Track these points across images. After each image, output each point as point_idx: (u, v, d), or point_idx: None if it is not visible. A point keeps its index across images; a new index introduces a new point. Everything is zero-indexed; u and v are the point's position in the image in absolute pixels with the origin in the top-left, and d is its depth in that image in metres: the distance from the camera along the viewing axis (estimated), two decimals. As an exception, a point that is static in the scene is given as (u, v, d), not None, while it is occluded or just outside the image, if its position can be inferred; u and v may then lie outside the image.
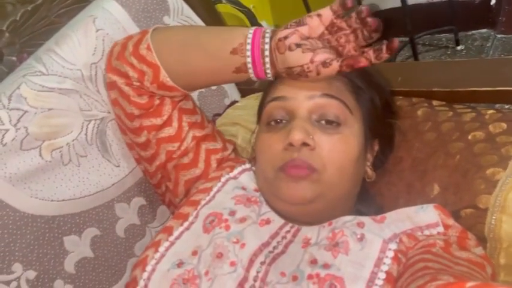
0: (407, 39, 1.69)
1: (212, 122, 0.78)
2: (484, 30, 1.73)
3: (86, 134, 0.75)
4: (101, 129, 0.77)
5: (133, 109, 0.69)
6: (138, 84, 0.67)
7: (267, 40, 0.58)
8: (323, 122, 0.59)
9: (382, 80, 0.69)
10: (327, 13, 0.55)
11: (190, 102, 0.73)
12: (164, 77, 0.65)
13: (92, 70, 0.76)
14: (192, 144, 0.70)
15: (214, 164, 0.71)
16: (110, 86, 0.72)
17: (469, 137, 0.65)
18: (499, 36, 1.69)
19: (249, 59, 0.59)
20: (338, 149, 0.58)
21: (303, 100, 0.60)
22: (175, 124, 0.69)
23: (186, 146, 0.70)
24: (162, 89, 0.66)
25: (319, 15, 0.55)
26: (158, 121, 0.69)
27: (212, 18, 0.97)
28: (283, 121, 0.61)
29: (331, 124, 0.59)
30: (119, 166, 0.78)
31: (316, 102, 0.59)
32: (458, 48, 1.73)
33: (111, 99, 0.73)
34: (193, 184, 0.70)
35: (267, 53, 0.58)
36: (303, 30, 0.56)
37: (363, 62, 0.53)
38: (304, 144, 0.57)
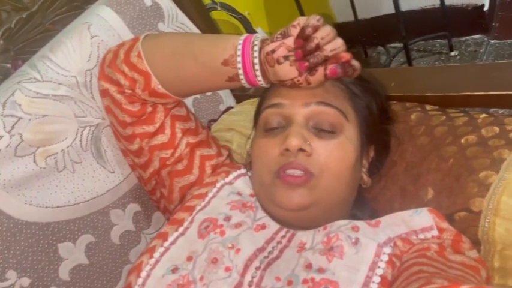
0: (401, 45, 1.70)
1: (207, 128, 0.78)
2: (478, 36, 1.74)
3: (80, 141, 0.75)
4: (96, 136, 0.77)
5: (125, 117, 0.69)
6: (130, 92, 0.67)
7: (256, 54, 0.58)
8: (319, 128, 0.60)
9: (378, 86, 0.69)
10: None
11: (184, 108, 0.73)
12: (155, 84, 0.65)
13: (87, 77, 0.76)
14: (186, 151, 0.70)
15: (209, 170, 0.71)
16: (103, 93, 0.72)
17: (462, 141, 0.66)
18: (492, 41, 1.70)
19: (240, 71, 0.59)
20: (335, 155, 0.59)
21: (299, 107, 0.60)
22: (168, 131, 0.69)
23: (180, 153, 0.70)
24: (154, 96, 0.67)
25: (300, 26, 0.56)
26: (151, 128, 0.69)
27: (206, 25, 0.98)
28: (280, 127, 0.61)
29: (328, 131, 0.59)
30: (113, 172, 0.78)
31: (312, 109, 0.60)
32: (452, 54, 1.74)
33: (104, 106, 0.73)
34: (188, 190, 0.70)
35: (256, 66, 0.58)
36: (289, 41, 0.56)
37: (344, 57, 0.54)
38: (301, 150, 0.57)
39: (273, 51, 0.56)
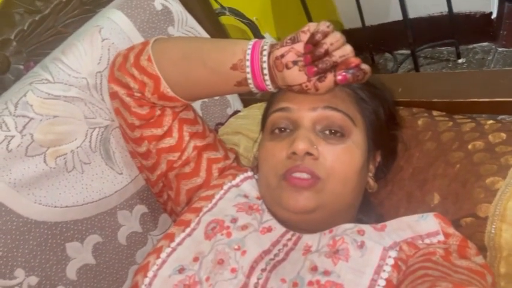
0: (408, 52, 1.70)
1: (214, 131, 0.78)
2: (485, 43, 1.74)
3: (90, 142, 0.75)
4: (105, 137, 0.78)
5: (134, 119, 0.70)
6: (139, 95, 0.68)
7: (265, 58, 0.58)
8: (327, 132, 0.60)
9: (385, 92, 0.70)
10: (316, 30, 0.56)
11: (192, 112, 0.74)
12: (165, 88, 0.66)
13: (97, 79, 0.77)
14: (193, 154, 0.71)
15: (216, 173, 0.72)
16: (112, 95, 0.73)
17: (469, 147, 0.66)
18: (500, 49, 1.70)
19: (249, 75, 0.60)
20: (342, 159, 0.59)
21: (306, 111, 0.60)
22: (175, 134, 0.70)
23: (187, 156, 0.70)
24: (162, 100, 0.67)
25: (310, 32, 0.56)
26: (159, 131, 0.70)
27: (215, 30, 0.99)
28: (287, 130, 0.62)
29: (335, 135, 0.60)
30: (121, 174, 0.79)
31: (319, 113, 0.60)
32: (460, 61, 1.75)
33: (114, 109, 0.74)
34: (195, 193, 0.71)
35: (265, 71, 0.59)
36: (298, 47, 0.56)
37: (354, 62, 0.55)
38: (308, 153, 0.57)
39: (282, 55, 0.56)
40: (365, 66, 0.56)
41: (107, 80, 0.74)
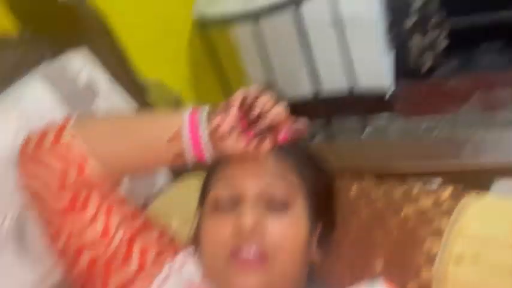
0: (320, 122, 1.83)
1: (143, 210, 0.73)
2: (386, 113, 1.94)
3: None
4: (18, 227, 0.67)
5: (51, 212, 0.62)
6: (58, 181, 0.61)
7: (203, 128, 0.57)
8: (272, 204, 0.59)
9: (323, 161, 0.71)
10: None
11: (119, 192, 0.68)
12: (91, 169, 0.60)
13: (11, 156, 0.68)
14: (124, 240, 0.63)
15: (152, 256, 0.64)
16: (25, 186, 0.65)
17: (401, 214, 0.69)
18: (399, 119, 1.91)
19: (187, 147, 0.58)
20: (289, 233, 0.58)
21: (250, 182, 0.59)
22: (100, 224, 0.63)
23: (116, 246, 0.63)
24: (88, 182, 0.61)
25: (241, 97, 0.57)
26: (81, 222, 0.62)
27: (143, 102, 0.96)
28: (230, 203, 0.59)
29: (280, 207, 0.59)
30: (35, 269, 0.69)
31: (264, 184, 0.59)
32: (366, 130, 1.92)
33: (27, 199, 0.66)
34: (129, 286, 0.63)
35: (205, 141, 0.58)
36: (232, 114, 0.56)
37: (289, 121, 0.56)
38: (254, 230, 0.55)
39: (218, 126, 0.56)
40: (300, 123, 0.57)
41: (18, 168, 0.65)
